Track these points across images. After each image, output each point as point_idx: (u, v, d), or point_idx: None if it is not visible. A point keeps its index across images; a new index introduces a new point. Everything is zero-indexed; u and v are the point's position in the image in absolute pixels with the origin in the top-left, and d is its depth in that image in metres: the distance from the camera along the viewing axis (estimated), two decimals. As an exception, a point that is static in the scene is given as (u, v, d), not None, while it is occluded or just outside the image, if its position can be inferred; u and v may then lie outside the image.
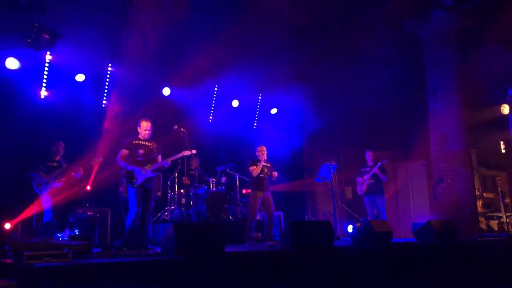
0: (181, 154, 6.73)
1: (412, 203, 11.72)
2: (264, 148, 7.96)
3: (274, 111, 11.44)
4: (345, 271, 5.55)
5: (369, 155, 9.09)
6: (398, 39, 9.70)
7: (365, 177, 8.92)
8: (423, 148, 10.59)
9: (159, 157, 6.52)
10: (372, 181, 8.86)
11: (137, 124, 6.52)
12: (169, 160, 6.47)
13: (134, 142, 6.37)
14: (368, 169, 8.98)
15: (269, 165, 7.93)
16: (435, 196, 9.90)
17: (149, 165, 6.30)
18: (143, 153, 6.32)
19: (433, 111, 9.93)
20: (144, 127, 6.45)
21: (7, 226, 6.58)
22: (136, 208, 6.08)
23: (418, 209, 11.54)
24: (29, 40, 4.09)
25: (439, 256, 6.39)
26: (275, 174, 7.83)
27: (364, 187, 8.91)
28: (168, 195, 8.82)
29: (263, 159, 7.79)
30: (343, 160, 11.45)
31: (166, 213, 8.73)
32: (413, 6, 9.25)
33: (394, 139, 11.54)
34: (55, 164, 7.35)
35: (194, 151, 6.87)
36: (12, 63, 7.64)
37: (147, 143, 6.43)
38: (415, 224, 7.68)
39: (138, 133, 6.51)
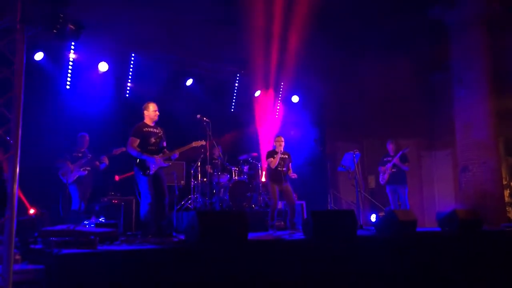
0: (190, 146, 6.55)
1: (437, 192, 11.57)
2: (282, 139, 7.71)
3: (295, 99, 11.37)
4: (369, 260, 5.53)
5: (390, 146, 9.01)
6: (423, 25, 9.50)
7: (386, 166, 8.85)
8: (448, 136, 10.41)
9: (164, 143, 6.37)
10: (394, 170, 8.78)
11: (143, 108, 6.28)
12: (177, 152, 6.31)
13: (144, 129, 6.16)
14: (389, 158, 8.91)
15: (286, 157, 7.75)
16: (460, 185, 9.74)
17: (161, 154, 6.17)
18: (153, 142, 6.16)
19: (458, 98, 9.74)
20: (153, 108, 6.23)
21: (31, 211, 6.79)
22: (149, 197, 5.93)
23: (442, 198, 11.39)
24: (55, 31, 4.14)
25: (464, 245, 6.31)
26: (294, 176, 7.73)
27: (386, 177, 8.84)
28: (191, 183, 8.91)
29: (280, 151, 7.63)
30: (366, 149, 11.35)
31: (189, 202, 8.83)
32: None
33: (418, 127, 11.38)
34: (80, 154, 7.51)
35: (203, 142, 6.70)
36: (38, 55, 7.95)
37: (155, 130, 6.25)
38: (439, 213, 7.57)
39: (143, 119, 6.27)
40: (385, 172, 8.84)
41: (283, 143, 7.70)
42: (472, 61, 9.52)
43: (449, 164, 11.36)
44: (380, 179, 9.01)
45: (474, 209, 7.44)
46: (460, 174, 9.73)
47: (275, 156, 7.56)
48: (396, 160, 8.70)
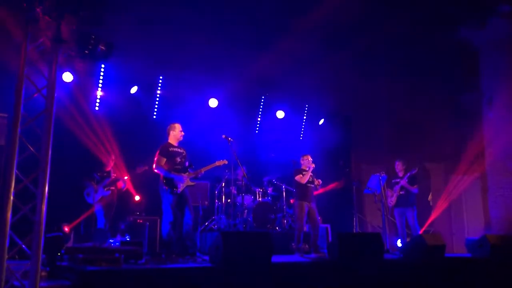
0: (214, 165, 6.59)
1: (466, 217, 11.25)
2: (310, 157, 7.81)
3: (322, 121, 11.32)
4: (396, 285, 5.39)
5: (398, 166, 8.63)
6: (452, 45, 9.39)
7: (394, 188, 8.49)
8: (477, 159, 10.16)
9: (187, 162, 6.44)
10: (402, 192, 8.39)
11: (169, 129, 6.42)
12: (203, 170, 6.40)
13: (170, 149, 6.28)
14: (398, 180, 8.55)
15: (312, 174, 7.79)
16: (491, 210, 9.46)
17: (187, 173, 6.27)
18: (179, 161, 6.26)
19: (488, 121, 9.54)
20: (179, 129, 6.38)
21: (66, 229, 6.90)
22: (171, 216, 5.97)
23: (472, 224, 11.05)
24: (86, 52, 4.26)
25: (496, 271, 6.10)
26: (319, 182, 7.70)
27: (394, 199, 8.46)
28: (215, 204, 8.90)
29: (311, 167, 7.63)
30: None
31: (213, 222, 8.80)
32: (469, 12, 8.96)
33: (447, 150, 11.15)
34: (105, 174, 7.64)
35: (225, 161, 6.72)
36: (67, 77, 8.14)
37: (180, 150, 6.37)
38: (469, 239, 7.36)
39: (167, 139, 6.39)
40: (392, 195, 8.50)
41: (311, 160, 7.70)
42: (502, 82, 9.35)
43: (478, 188, 11.04)
44: (388, 202, 8.64)
45: (506, 235, 7.21)
46: (490, 198, 9.46)
47: (303, 173, 7.54)
48: (404, 182, 8.36)
